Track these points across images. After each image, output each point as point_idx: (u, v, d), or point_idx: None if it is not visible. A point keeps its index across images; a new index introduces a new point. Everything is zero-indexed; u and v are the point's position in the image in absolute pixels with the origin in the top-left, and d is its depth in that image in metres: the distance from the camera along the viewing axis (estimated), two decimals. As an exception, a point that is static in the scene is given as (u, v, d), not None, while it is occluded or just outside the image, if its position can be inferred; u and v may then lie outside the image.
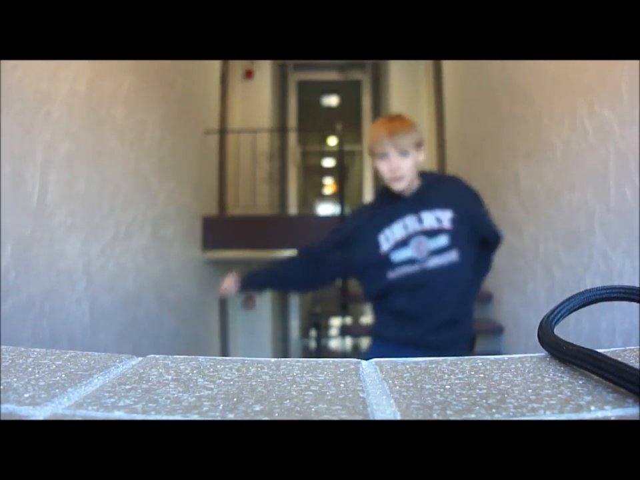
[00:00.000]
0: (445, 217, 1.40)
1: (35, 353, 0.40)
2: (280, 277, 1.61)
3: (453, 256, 1.39)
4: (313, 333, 7.55)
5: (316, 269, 1.52)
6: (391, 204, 1.45)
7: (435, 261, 1.39)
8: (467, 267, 1.42)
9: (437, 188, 1.46)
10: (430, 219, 1.40)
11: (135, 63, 2.60)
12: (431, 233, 1.39)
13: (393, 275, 1.42)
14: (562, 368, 0.34)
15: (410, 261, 1.41)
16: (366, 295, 1.53)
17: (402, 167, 1.38)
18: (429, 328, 1.40)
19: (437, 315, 1.40)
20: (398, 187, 1.40)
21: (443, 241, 1.39)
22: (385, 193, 1.48)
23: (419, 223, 1.40)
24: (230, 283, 1.56)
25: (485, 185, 3.22)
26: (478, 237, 1.44)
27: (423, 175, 1.49)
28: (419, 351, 1.35)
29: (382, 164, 1.40)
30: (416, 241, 1.40)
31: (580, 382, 0.31)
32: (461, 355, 1.42)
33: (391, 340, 1.47)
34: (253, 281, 1.62)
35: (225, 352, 4.74)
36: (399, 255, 1.41)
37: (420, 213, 1.40)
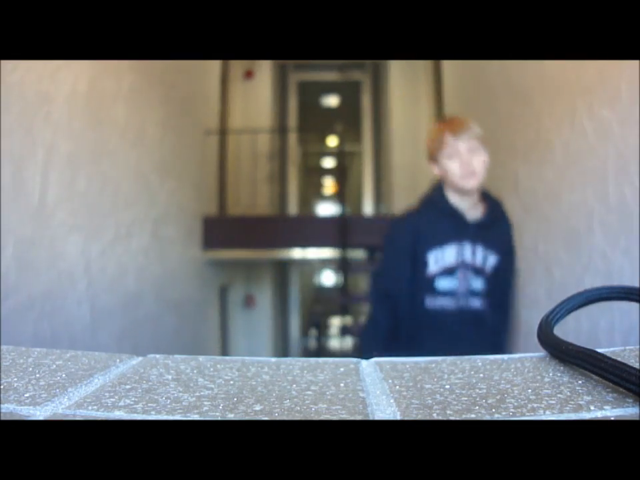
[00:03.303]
0: (490, 260, 1.30)
1: (36, 353, 0.40)
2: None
3: (483, 303, 1.29)
4: (313, 332, 7.56)
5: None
6: (448, 220, 1.31)
7: (473, 303, 1.28)
8: (492, 316, 1.31)
9: (497, 225, 1.36)
10: (481, 255, 1.29)
11: (136, 63, 2.60)
12: (476, 271, 1.28)
13: (431, 303, 1.28)
14: (562, 368, 0.34)
15: (451, 294, 1.28)
16: (401, 320, 1.32)
17: (474, 162, 1.28)
18: None
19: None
20: (471, 184, 1.29)
21: (480, 284, 1.28)
22: (441, 203, 1.33)
23: (472, 255, 1.29)
24: None
25: (485, 185, 3.22)
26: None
27: (488, 199, 1.37)
28: None
29: (451, 163, 1.29)
30: (462, 273, 1.28)
31: (580, 382, 0.31)
32: None
33: None
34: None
35: (225, 352, 4.74)
36: (444, 283, 1.28)
37: (476, 244, 1.29)
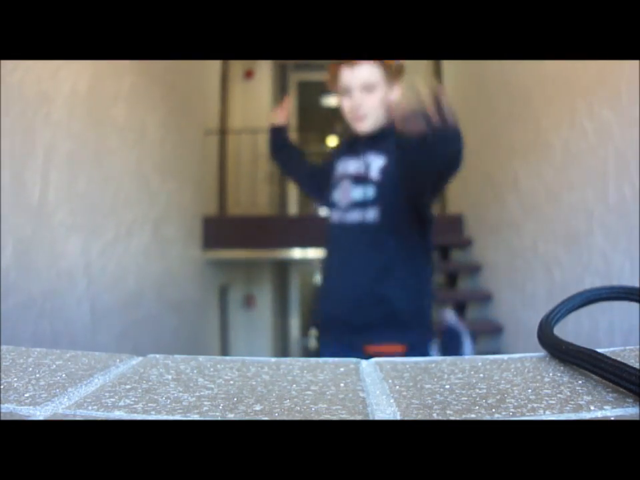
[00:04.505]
0: (375, 164, 1.15)
1: (36, 353, 0.40)
2: (293, 152, 1.46)
3: (372, 213, 1.12)
4: (313, 332, 7.54)
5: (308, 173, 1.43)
6: (351, 140, 1.26)
7: (354, 215, 1.14)
8: (390, 230, 1.13)
9: (391, 129, 1.13)
10: (359, 163, 1.18)
11: (136, 63, 2.60)
12: (357, 180, 1.16)
13: (329, 215, 1.25)
14: (562, 368, 0.34)
15: (334, 206, 1.21)
16: None
17: (365, 105, 1.13)
18: (349, 304, 1.14)
19: (355, 287, 1.14)
20: (360, 127, 1.16)
21: (368, 192, 1.14)
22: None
23: (353, 166, 1.19)
24: (282, 112, 1.44)
25: (484, 185, 3.22)
26: (417, 185, 1.10)
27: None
28: (354, 341, 1.11)
29: (344, 100, 1.16)
30: (343, 185, 1.19)
31: (580, 382, 0.31)
32: (411, 344, 1.10)
33: (324, 330, 1.24)
34: (280, 133, 1.44)
35: (225, 352, 4.74)
36: (331, 195, 1.23)
37: (360, 155, 1.18)
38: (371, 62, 1.13)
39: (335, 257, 1.22)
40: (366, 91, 1.13)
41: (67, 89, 1.96)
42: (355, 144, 1.23)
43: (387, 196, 1.13)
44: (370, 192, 1.13)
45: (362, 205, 1.14)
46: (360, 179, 1.15)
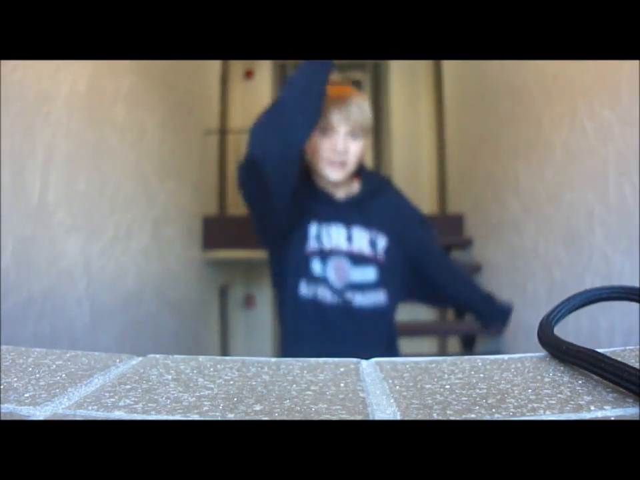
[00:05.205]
0: (380, 243, 1.04)
1: (36, 353, 0.40)
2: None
3: (379, 297, 1.04)
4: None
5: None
6: (318, 199, 1.07)
7: (360, 300, 1.02)
8: (392, 312, 1.08)
9: (378, 198, 1.09)
10: (363, 240, 1.04)
11: (136, 63, 2.60)
12: (358, 260, 1.03)
13: (305, 290, 1.03)
14: (562, 368, 0.34)
15: (324, 283, 1.02)
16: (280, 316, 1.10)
17: (350, 151, 1.02)
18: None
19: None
20: (335, 175, 1.03)
21: (369, 274, 1.03)
22: (311, 183, 1.08)
23: (347, 240, 1.03)
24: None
25: (485, 185, 3.22)
26: (412, 272, 1.11)
27: (365, 176, 1.11)
28: None
29: (323, 140, 1.01)
30: (336, 262, 1.03)
31: (580, 382, 0.31)
32: None
33: None
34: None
35: (225, 352, 4.74)
36: (317, 268, 1.03)
37: (352, 226, 1.04)
38: (365, 104, 1.03)
39: (322, 339, 1.05)
40: (351, 137, 1.02)
41: (66, 88, 1.96)
42: (332, 206, 1.06)
43: (391, 277, 1.06)
44: (371, 274, 1.03)
45: (363, 288, 1.03)
46: (361, 259, 1.03)
